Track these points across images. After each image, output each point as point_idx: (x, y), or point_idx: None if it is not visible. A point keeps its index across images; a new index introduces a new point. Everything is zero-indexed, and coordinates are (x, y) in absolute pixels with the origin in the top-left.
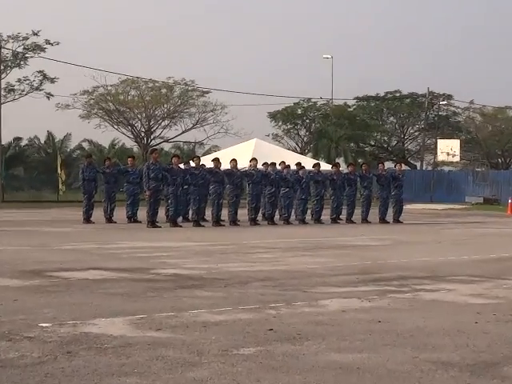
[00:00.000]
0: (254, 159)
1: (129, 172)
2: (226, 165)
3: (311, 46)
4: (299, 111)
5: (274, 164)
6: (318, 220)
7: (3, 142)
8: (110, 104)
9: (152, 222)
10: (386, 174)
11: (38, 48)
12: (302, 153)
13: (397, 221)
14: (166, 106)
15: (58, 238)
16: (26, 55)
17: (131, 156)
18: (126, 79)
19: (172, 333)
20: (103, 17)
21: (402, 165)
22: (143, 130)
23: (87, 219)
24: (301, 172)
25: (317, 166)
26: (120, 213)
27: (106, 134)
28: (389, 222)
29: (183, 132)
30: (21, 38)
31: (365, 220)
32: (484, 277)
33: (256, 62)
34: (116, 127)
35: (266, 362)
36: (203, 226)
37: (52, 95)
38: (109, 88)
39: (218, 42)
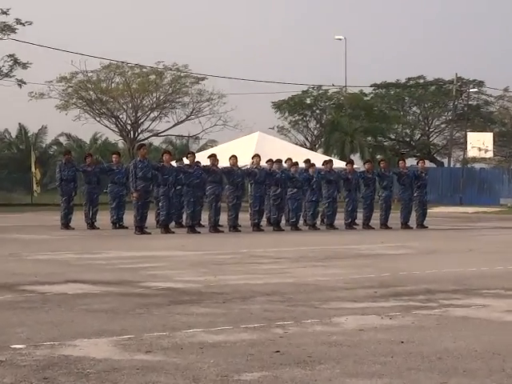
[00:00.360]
0: (256, 155)
1: (113, 171)
2: (224, 162)
3: (321, 26)
4: (308, 100)
5: (279, 161)
6: (330, 225)
7: None
8: (91, 93)
9: (140, 228)
10: (407, 172)
11: (7, 29)
12: (312, 148)
13: (421, 226)
14: (155, 94)
15: (33, 247)
16: None
17: (116, 152)
18: (108, 64)
19: (164, 355)
20: None
21: (426, 161)
22: (129, 122)
23: (66, 225)
24: (311, 170)
25: (329, 163)
26: (103, 217)
27: (86, 127)
28: (412, 228)
29: (175, 125)
30: None
31: (384, 225)
32: None
33: (258, 44)
34: (98, 119)
35: None
36: (199, 232)
37: (24, 83)
38: (89, 74)
39: (215, 21)
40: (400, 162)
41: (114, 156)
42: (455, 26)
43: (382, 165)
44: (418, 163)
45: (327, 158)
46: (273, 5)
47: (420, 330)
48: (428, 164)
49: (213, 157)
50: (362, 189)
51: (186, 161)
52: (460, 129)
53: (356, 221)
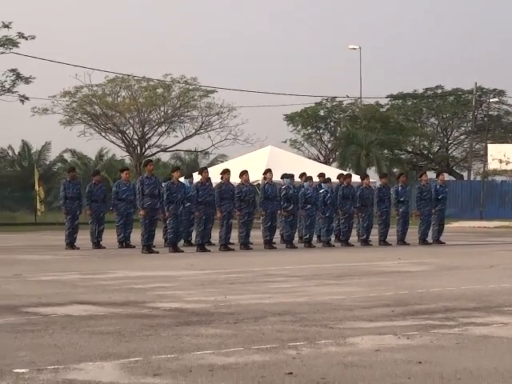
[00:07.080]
0: (268, 170)
1: (126, 188)
2: (235, 177)
3: (335, 35)
4: (322, 113)
5: (292, 176)
6: (345, 242)
7: None
8: (96, 107)
9: (147, 247)
10: (428, 186)
11: (9, 43)
12: (326, 162)
13: (437, 241)
14: (162, 108)
15: (36, 267)
16: None
17: (126, 168)
18: (114, 78)
19: (172, 378)
20: (85, 5)
21: (445, 175)
22: (136, 137)
23: (71, 244)
24: (328, 185)
25: (348, 177)
26: (110, 236)
27: (91, 143)
28: (430, 243)
29: (184, 139)
30: None
31: (401, 241)
32: None
33: (269, 54)
34: (104, 135)
35: None
36: (209, 250)
37: (27, 98)
38: (94, 88)
39: (224, 31)
40: (423, 175)
41: (125, 172)
42: (474, 34)
43: (401, 179)
44: (437, 176)
45: (342, 171)
46: (284, 15)
47: (439, 350)
48: (447, 177)
49: (227, 173)
50: (378, 203)
51: (196, 177)
52: (480, 140)
53: (371, 237)
